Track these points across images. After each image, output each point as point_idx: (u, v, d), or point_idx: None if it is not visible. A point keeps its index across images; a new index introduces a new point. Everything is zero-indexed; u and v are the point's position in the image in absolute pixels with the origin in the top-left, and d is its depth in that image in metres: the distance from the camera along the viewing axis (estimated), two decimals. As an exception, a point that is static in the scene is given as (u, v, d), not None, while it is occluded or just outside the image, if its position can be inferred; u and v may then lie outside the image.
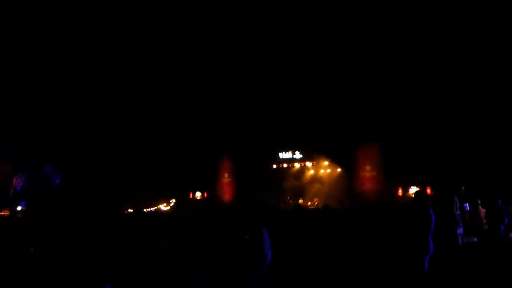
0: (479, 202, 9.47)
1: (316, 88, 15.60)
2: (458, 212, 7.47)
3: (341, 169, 18.53)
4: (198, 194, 19.59)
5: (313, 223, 8.23)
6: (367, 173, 17.19)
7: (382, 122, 16.20)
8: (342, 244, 7.30)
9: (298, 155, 19.55)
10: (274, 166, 19.67)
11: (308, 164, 19.57)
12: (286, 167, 19.67)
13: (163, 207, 18.30)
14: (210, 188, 19.16)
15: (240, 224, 5.97)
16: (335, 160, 18.65)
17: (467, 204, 9.37)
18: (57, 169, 15.53)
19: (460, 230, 7.13)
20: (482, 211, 9.16)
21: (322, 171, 19.68)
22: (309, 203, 18.26)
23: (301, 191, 19.37)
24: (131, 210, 15.28)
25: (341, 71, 14.65)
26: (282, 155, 19.57)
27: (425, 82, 14.14)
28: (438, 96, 14.34)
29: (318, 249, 7.10)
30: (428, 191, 13.58)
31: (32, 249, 6.57)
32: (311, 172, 19.82)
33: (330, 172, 19.44)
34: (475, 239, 8.26)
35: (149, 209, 16.75)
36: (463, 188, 7.93)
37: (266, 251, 5.25)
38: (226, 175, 19.39)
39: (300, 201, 18.47)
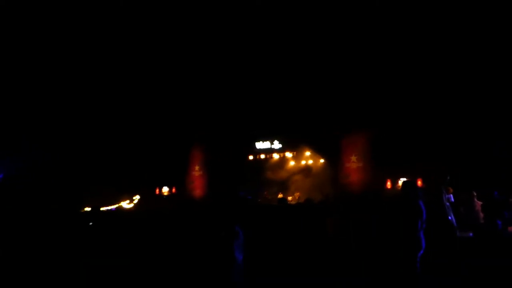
0: (475, 194, 9.72)
1: (296, 71, 16.02)
2: (448, 203, 7.76)
3: (325, 160, 18.34)
4: (165, 189, 19.60)
5: (296, 219, 8.43)
6: (353, 164, 17.19)
7: (370, 109, 16.21)
8: (331, 242, 7.63)
9: (277, 145, 19.33)
10: (251, 157, 19.45)
11: (288, 154, 19.28)
12: (263, 159, 19.38)
13: (126, 204, 18.04)
14: (179, 183, 19.12)
15: (212, 222, 6.11)
16: (318, 150, 18.45)
17: (451, 195, 9.46)
18: (1, 164, 15.63)
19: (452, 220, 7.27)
20: (478, 203, 9.43)
21: (303, 162, 19.34)
22: (290, 197, 17.78)
23: (281, 184, 18.82)
24: (89, 209, 14.52)
25: (326, 52, 15.24)
26: (259, 145, 19.38)
27: (419, 68, 14.76)
28: (430, 83, 14.78)
29: (304, 249, 7.37)
30: (419, 183, 13.90)
31: None
32: (292, 163, 19.44)
33: (312, 163, 19.20)
34: (471, 234, 8.49)
35: (108, 207, 16.37)
36: (448, 178, 8.29)
37: (237, 254, 5.28)
38: (196, 167, 19.40)
39: (280, 195, 17.97)
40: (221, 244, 5.32)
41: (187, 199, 18.48)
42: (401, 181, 14.62)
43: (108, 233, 8.23)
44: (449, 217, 7.34)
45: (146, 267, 6.40)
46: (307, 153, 19.13)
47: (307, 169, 18.95)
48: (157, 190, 19.33)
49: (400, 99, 15.07)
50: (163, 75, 16.56)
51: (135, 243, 7.34)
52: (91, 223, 9.13)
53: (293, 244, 7.75)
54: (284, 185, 18.90)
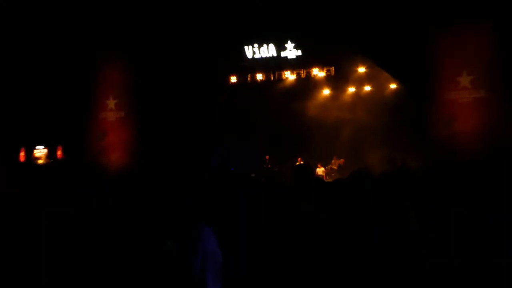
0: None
1: None
2: None
3: (401, 84, 16.32)
4: (40, 152, 16.86)
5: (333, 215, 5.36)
6: (464, 92, 14.08)
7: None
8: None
9: (292, 50, 16.50)
10: (233, 79, 17.65)
11: (318, 73, 17.30)
12: (263, 82, 17.63)
13: None
14: (71, 137, 16.30)
15: (151, 222, 4.92)
16: (385, 63, 15.44)
17: None
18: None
19: None
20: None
21: (351, 89, 18.29)
22: (320, 168, 17.19)
23: (301, 139, 18.14)
24: None
25: None
26: (253, 51, 16.77)
27: None
28: None
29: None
30: None
31: None
32: (326, 92, 18.61)
33: (371, 92, 18.16)
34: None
35: None
36: None
37: (208, 282, 4.31)
38: (110, 103, 16.72)
39: (299, 163, 16.41)
40: (167, 265, 4.46)
41: (90, 172, 14.85)
42: None
43: None
44: None
45: None
46: (361, 70, 17.41)
47: (356, 107, 18.21)
48: (22, 154, 16.65)
49: None
50: None
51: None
52: None
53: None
54: (309, 141, 18.15)
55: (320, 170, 17.04)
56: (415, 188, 7.39)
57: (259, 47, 16.59)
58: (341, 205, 5.35)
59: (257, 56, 16.67)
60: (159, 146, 16.15)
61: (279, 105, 17.88)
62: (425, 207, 5.81)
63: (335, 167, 17.50)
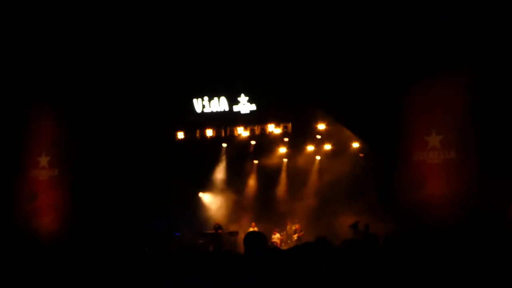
0: None
1: None
2: None
3: (364, 143, 16.17)
4: None
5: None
6: (433, 153, 13.68)
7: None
8: None
9: (246, 105, 15.88)
10: (181, 135, 16.66)
11: (274, 129, 16.40)
12: (213, 138, 16.79)
13: None
14: None
15: None
16: (347, 121, 15.36)
17: None
18: None
19: None
20: None
21: (310, 148, 17.72)
22: (276, 234, 16.64)
23: (257, 201, 17.84)
24: None
25: None
26: (203, 104, 16.08)
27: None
28: None
29: None
30: None
31: None
32: (282, 150, 17.96)
33: (332, 151, 17.56)
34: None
35: None
36: None
37: None
38: (44, 159, 15.93)
39: (252, 228, 15.84)
40: None
41: (19, 238, 14.79)
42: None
43: None
44: None
45: None
46: (320, 127, 16.61)
47: (318, 165, 18.23)
48: None
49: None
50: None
51: None
52: None
53: None
54: (263, 206, 17.83)
55: (275, 237, 16.53)
56: (376, 259, 6.83)
57: (209, 100, 15.88)
58: (296, 276, 4.83)
59: (207, 110, 15.95)
60: (96, 208, 15.34)
61: (231, 166, 17.58)
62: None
63: (292, 233, 16.87)
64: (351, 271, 5.53)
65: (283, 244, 16.42)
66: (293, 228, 17.06)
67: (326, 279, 4.82)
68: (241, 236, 16.40)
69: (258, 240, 5.13)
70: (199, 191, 18.22)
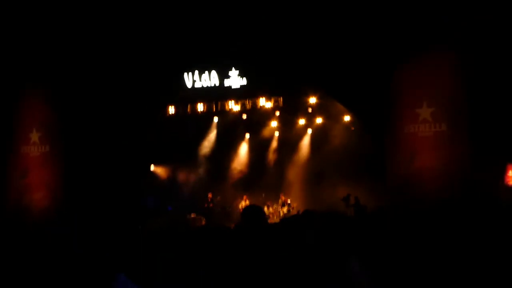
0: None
1: None
2: None
3: (354, 116, 15.77)
4: None
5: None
6: (424, 125, 13.38)
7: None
8: None
9: (236, 79, 15.39)
10: (172, 110, 16.53)
11: (265, 103, 16.45)
12: (204, 113, 16.80)
13: None
14: None
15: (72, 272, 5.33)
16: (338, 94, 14.78)
17: None
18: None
19: None
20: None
21: (302, 122, 17.86)
22: (268, 207, 16.61)
23: (246, 177, 17.92)
24: None
25: None
26: (193, 79, 15.46)
27: None
28: None
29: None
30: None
31: None
32: (274, 124, 17.99)
33: (322, 124, 17.56)
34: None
35: None
36: None
37: None
38: (35, 135, 15.49)
39: (244, 202, 16.49)
40: None
41: (10, 214, 14.77)
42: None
43: None
44: None
45: None
46: (312, 101, 16.59)
47: (310, 139, 18.40)
48: None
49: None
50: None
51: None
52: None
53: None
54: (253, 179, 17.84)
55: (267, 211, 16.51)
56: (367, 230, 7.98)
57: (200, 75, 15.46)
58: (284, 249, 4.90)
59: (197, 85, 15.53)
60: (88, 185, 15.02)
61: (220, 140, 17.65)
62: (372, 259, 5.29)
63: (282, 206, 16.86)
64: (330, 245, 5.39)
65: (275, 217, 16.56)
66: (282, 200, 17.17)
67: (311, 253, 4.88)
68: (232, 209, 16.89)
69: (257, 215, 4.99)
70: (191, 168, 18.12)
